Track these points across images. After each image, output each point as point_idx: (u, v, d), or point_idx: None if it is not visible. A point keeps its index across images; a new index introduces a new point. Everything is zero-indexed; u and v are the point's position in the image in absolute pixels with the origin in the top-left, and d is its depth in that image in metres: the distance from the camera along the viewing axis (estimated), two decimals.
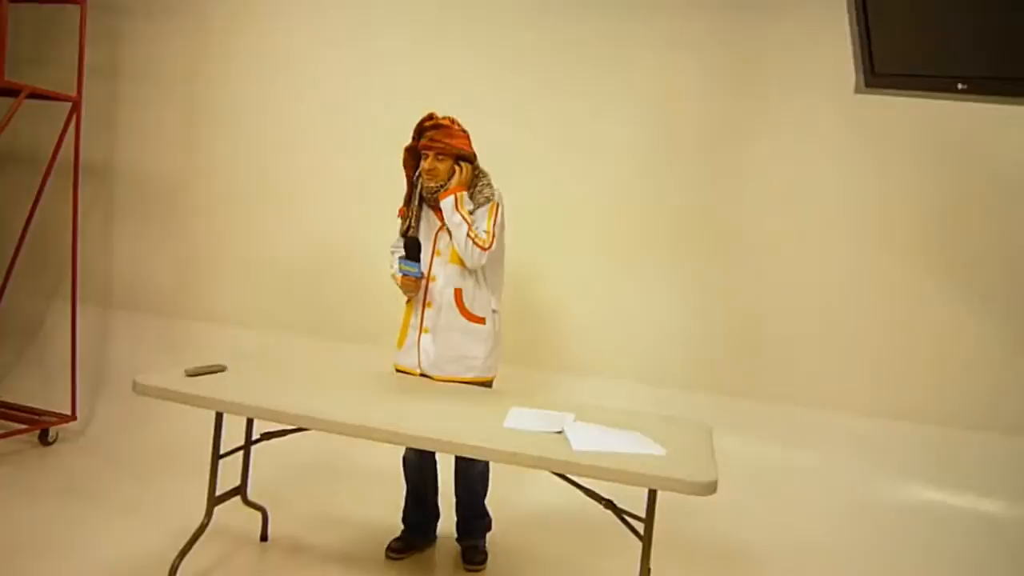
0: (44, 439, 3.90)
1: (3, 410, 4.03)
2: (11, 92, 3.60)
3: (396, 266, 2.86)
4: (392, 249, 2.98)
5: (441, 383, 2.80)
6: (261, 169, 4.38)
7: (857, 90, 2.53)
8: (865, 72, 2.47)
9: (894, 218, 3.61)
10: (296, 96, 4.31)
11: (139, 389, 2.41)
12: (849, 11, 2.44)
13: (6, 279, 4.14)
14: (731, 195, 3.80)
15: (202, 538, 2.68)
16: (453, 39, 4.07)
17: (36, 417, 3.97)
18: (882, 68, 2.40)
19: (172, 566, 2.57)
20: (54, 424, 3.93)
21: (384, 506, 3.33)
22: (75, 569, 2.71)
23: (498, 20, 4.01)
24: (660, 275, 3.87)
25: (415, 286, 2.82)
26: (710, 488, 2.03)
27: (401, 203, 2.93)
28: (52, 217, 4.20)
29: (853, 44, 2.48)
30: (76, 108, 3.90)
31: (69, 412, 4.03)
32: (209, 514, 2.67)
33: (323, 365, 3.04)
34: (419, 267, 2.78)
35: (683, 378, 3.83)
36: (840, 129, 3.66)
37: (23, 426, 3.86)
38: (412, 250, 2.79)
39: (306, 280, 4.32)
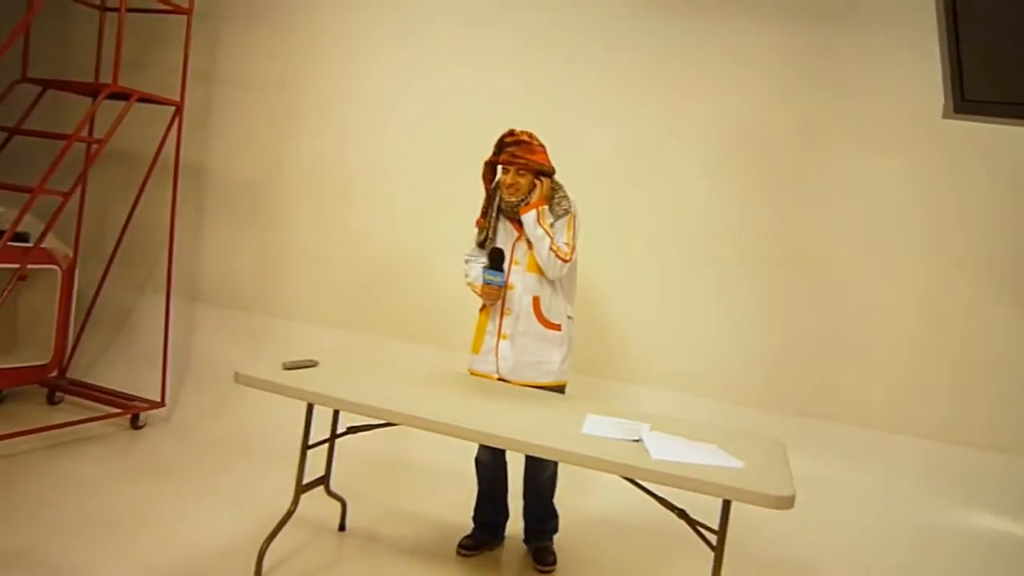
0: (135, 423, 4.12)
1: (97, 394, 4.27)
2: (122, 96, 3.83)
3: (472, 274, 3.00)
4: (467, 258, 3.09)
5: (518, 387, 2.90)
6: (345, 173, 4.55)
7: (945, 115, 2.54)
8: (955, 98, 2.48)
9: (970, 239, 3.59)
10: (381, 103, 4.47)
11: (241, 380, 2.56)
12: (940, 37, 2.45)
13: (105, 270, 4.38)
14: (805, 211, 3.81)
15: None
16: (533, 51, 4.18)
17: (127, 402, 4.20)
18: (972, 94, 2.40)
19: (260, 550, 2.71)
20: (144, 409, 4.16)
21: (454, 504, 3.44)
22: (167, 546, 2.88)
23: (575, 32, 4.10)
24: (729, 290, 3.91)
25: (497, 295, 2.93)
26: (788, 502, 2.08)
27: (478, 214, 3.05)
28: (146, 213, 4.42)
29: (943, 69, 2.49)
30: (179, 112, 4.13)
31: (158, 398, 4.24)
32: (296, 501, 2.82)
33: (405, 365, 3.17)
34: (502, 276, 2.90)
35: (747, 394, 3.85)
36: (917, 148, 3.65)
37: (116, 410, 4.09)
38: (496, 261, 2.91)
39: (384, 283, 4.47)
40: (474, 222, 3.06)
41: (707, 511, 2.41)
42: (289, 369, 2.67)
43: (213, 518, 3.16)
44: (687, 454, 2.30)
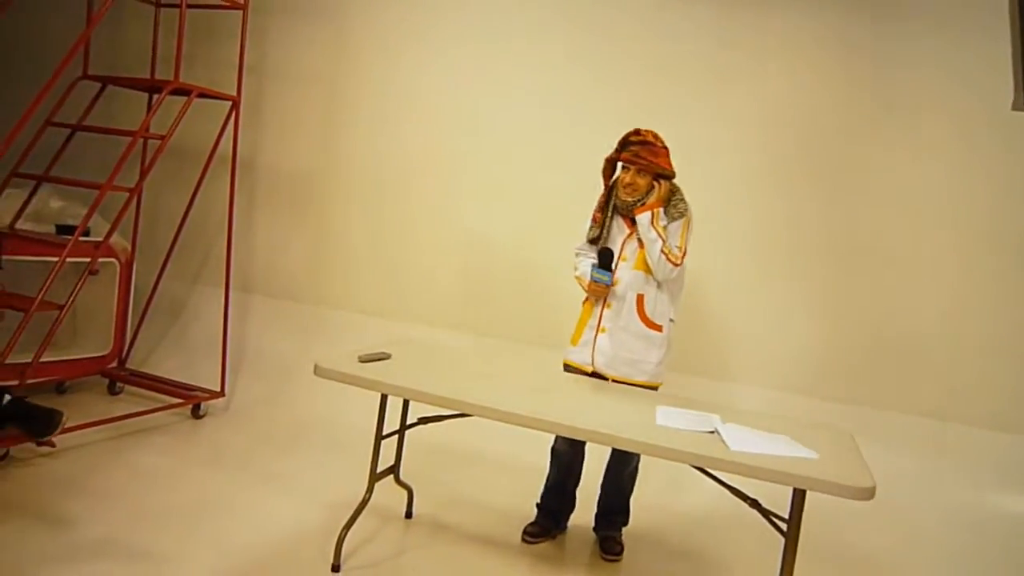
0: (196, 412, 4.22)
1: (157, 384, 4.37)
2: (182, 92, 3.89)
3: (581, 268, 3.04)
4: (577, 251, 3.13)
5: (599, 381, 2.96)
6: (396, 167, 4.61)
7: (1016, 107, 2.54)
8: None
9: (1016, 234, 3.60)
10: (431, 98, 4.51)
11: (320, 372, 2.62)
12: (1012, 29, 2.45)
13: (164, 263, 4.47)
14: (872, 205, 3.83)
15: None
16: (583, 43, 4.21)
17: (188, 392, 4.29)
18: None
19: (339, 537, 2.78)
20: (205, 399, 4.25)
21: (517, 492, 3.50)
22: (246, 532, 2.97)
23: (628, 23, 4.13)
24: (780, 281, 3.94)
25: (604, 293, 2.97)
26: (869, 493, 2.11)
27: (595, 208, 3.06)
28: (200, 207, 4.49)
29: (1014, 61, 2.49)
30: (236, 107, 4.19)
31: (218, 388, 4.33)
32: (370, 490, 2.89)
33: (475, 357, 3.23)
34: (610, 276, 2.95)
35: (816, 386, 3.89)
36: (969, 137, 3.66)
37: (178, 400, 4.19)
38: (605, 260, 2.96)
39: (431, 275, 4.54)
40: (592, 216, 3.06)
41: (776, 501, 2.46)
42: (365, 361, 2.73)
43: (283, 505, 3.24)
44: (763, 445, 2.34)
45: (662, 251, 2.87)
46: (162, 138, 3.75)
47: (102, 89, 4.14)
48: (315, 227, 4.83)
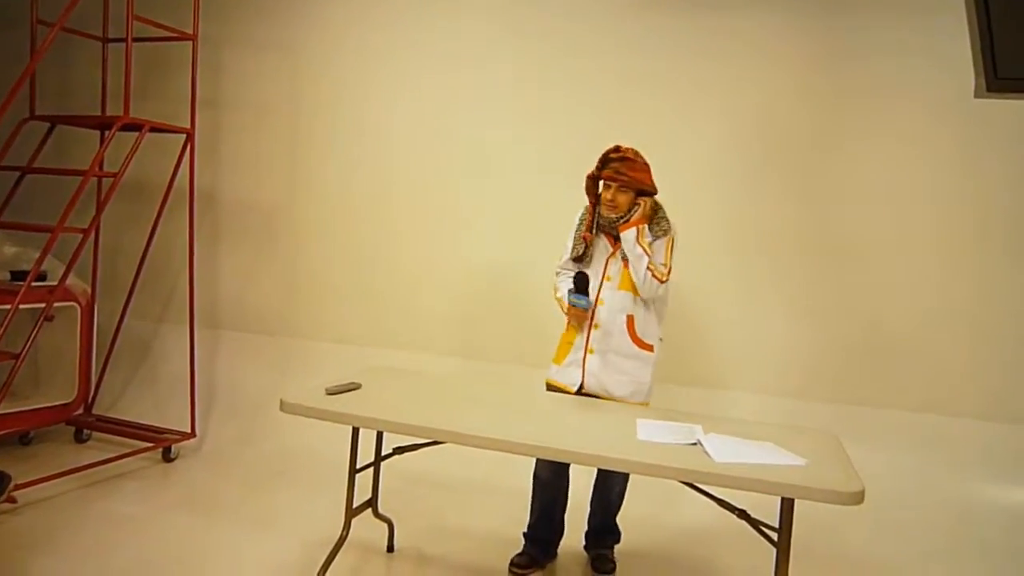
0: (167, 456, 4.08)
1: (126, 428, 4.23)
2: (133, 127, 3.79)
3: (563, 290, 2.97)
4: (558, 270, 3.06)
5: (577, 398, 2.88)
6: (360, 194, 4.53)
7: (977, 94, 2.50)
8: (987, 75, 2.44)
9: (1012, 218, 3.57)
10: (392, 120, 4.44)
11: (286, 408, 2.53)
12: (969, 13, 2.42)
13: (125, 304, 4.34)
14: (846, 201, 3.80)
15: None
16: (545, 56, 4.16)
17: (158, 435, 4.16)
18: (1005, 72, 2.37)
19: None
20: (175, 441, 4.11)
21: (502, 518, 3.41)
22: None
23: (592, 33, 4.09)
24: (761, 283, 3.89)
25: (584, 317, 2.91)
26: (858, 498, 2.05)
27: (582, 227, 2.98)
28: (160, 243, 4.38)
29: (973, 47, 2.45)
30: (190, 139, 4.09)
31: (188, 429, 4.20)
32: (347, 526, 2.78)
33: (447, 382, 3.14)
34: (588, 301, 2.89)
35: (786, 386, 3.83)
36: (945, 129, 3.64)
37: (148, 444, 4.05)
38: (582, 284, 2.90)
39: (408, 300, 4.45)
40: (579, 236, 2.97)
41: (765, 510, 2.39)
42: (333, 394, 2.63)
43: (260, 549, 3.12)
44: (749, 455, 2.27)
45: (648, 268, 2.82)
46: (114, 175, 3.64)
47: (51, 129, 4.03)
48: (283, 258, 4.72)
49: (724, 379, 3.92)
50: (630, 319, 2.89)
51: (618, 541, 3.12)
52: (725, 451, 2.28)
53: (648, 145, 3.94)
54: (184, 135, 4.09)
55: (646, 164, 2.91)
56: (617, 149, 2.89)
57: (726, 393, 3.88)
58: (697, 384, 3.91)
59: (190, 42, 4.12)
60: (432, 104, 4.37)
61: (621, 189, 2.85)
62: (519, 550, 3.09)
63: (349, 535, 2.82)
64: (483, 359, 4.22)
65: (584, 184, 2.97)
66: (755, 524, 2.42)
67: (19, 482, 3.15)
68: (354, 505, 2.86)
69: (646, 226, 2.87)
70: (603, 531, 3.08)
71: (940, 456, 3.61)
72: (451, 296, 4.35)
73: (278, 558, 3.03)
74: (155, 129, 3.89)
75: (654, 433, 2.44)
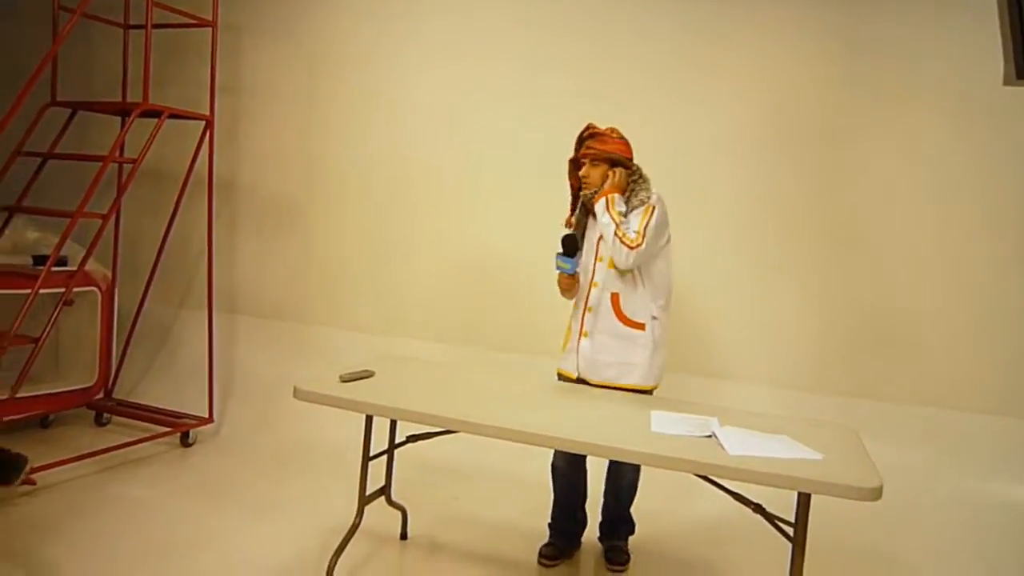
0: (184, 440, 4.11)
1: (145, 413, 4.27)
2: (152, 114, 3.80)
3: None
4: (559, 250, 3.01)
5: (592, 388, 2.84)
6: (378, 181, 4.52)
7: (1007, 82, 2.45)
8: (1017, 63, 2.38)
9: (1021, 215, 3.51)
10: (408, 109, 4.42)
11: (300, 395, 2.53)
12: (1000, 3, 2.36)
13: (146, 289, 4.37)
14: (859, 194, 3.74)
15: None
16: (562, 43, 4.12)
17: (176, 420, 4.19)
18: None
19: (329, 565, 2.69)
20: (193, 426, 4.14)
21: (515, 507, 3.40)
22: (234, 565, 2.86)
23: (604, 15, 4.05)
24: (783, 278, 3.84)
25: (570, 284, 2.88)
26: (877, 493, 2.02)
27: (568, 213, 2.99)
28: (180, 229, 4.41)
29: (1003, 34, 2.40)
30: (209, 126, 4.10)
31: (206, 415, 4.23)
32: (360, 514, 2.79)
33: (462, 371, 3.14)
34: (573, 264, 2.84)
35: (810, 381, 3.79)
36: (961, 119, 3.57)
37: (166, 429, 4.09)
38: (567, 246, 2.85)
39: (420, 289, 4.44)
40: (564, 221, 2.98)
41: (781, 503, 2.36)
42: (346, 381, 2.63)
43: (274, 534, 3.13)
44: (764, 448, 2.24)
45: (616, 234, 2.73)
46: (133, 162, 3.66)
47: (72, 115, 4.05)
48: (300, 244, 4.73)
49: (736, 370, 3.88)
50: (615, 297, 2.83)
51: (632, 532, 3.10)
52: (740, 444, 2.25)
53: (660, 132, 3.95)
54: (204, 122, 4.10)
55: (621, 138, 2.88)
56: (588, 127, 2.88)
57: (737, 384, 3.84)
58: (709, 375, 3.87)
59: (210, 29, 4.12)
60: (448, 93, 4.34)
61: (593, 163, 2.84)
62: (544, 541, 3.07)
63: (362, 523, 2.83)
64: (498, 349, 4.20)
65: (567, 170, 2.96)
66: (771, 519, 2.39)
67: (37, 465, 3.17)
68: (368, 493, 2.87)
69: (617, 195, 2.81)
70: (617, 522, 3.06)
71: (953, 451, 3.55)
72: (464, 285, 4.33)
73: (291, 544, 3.04)
74: (174, 116, 3.90)
75: (668, 425, 2.42)
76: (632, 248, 2.72)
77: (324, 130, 4.63)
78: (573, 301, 2.97)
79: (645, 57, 3.99)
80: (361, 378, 2.69)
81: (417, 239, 4.45)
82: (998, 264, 3.55)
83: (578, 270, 2.87)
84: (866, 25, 3.66)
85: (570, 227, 2.93)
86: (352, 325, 4.60)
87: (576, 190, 2.96)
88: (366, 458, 2.80)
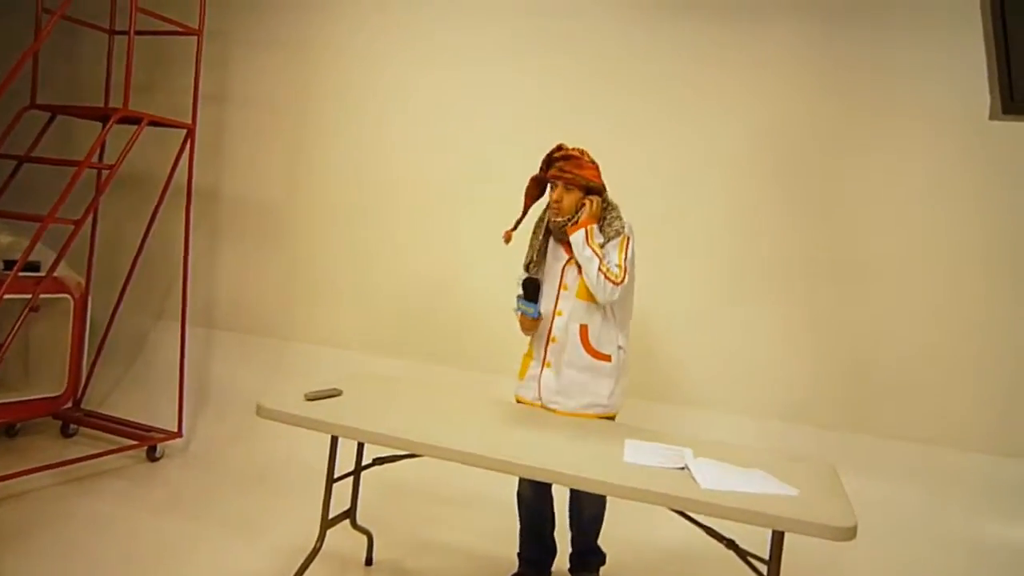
0: (152, 455, 4.01)
1: (113, 425, 4.17)
2: (133, 120, 3.74)
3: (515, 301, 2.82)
4: (518, 280, 2.90)
5: (555, 415, 2.76)
6: (364, 195, 4.46)
7: (992, 116, 2.40)
8: (1003, 98, 2.35)
9: (1014, 244, 3.46)
10: (399, 122, 4.38)
11: (263, 413, 2.45)
12: (986, 34, 2.33)
13: (119, 298, 4.29)
14: (852, 222, 3.69)
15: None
16: (553, 62, 4.08)
17: (144, 433, 4.09)
18: (1021, 94, 2.28)
19: None
20: (161, 440, 4.05)
21: (485, 533, 3.31)
22: None
23: (597, 41, 4.01)
24: (762, 303, 3.78)
25: (532, 325, 2.78)
26: (851, 533, 1.94)
27: (540, 230, 2.86)
28: (160, 239, 4.34)
29: (989, 68, 2.36)
30: (191, 135, 4.05)
31: (175, 429, 4.13)
32: (322, 538, 2.70)
33: (436, 390, 3.06)
34: (537, 307, 2.74)
35: (782, 410, 3.72)
36: (948, 150, 3.53)
37: (133, 442, 3.99)
38: (530, 291, 2.76)
39: (408, 304, 4.36)
40: (504, 235, 2.86)
41: (755, 538, 2.28)
42: (312, 400, 2.55)
43: (236, 555, 3.04)
44: (737, 482, 2.17)
45: (600, 270, 2.64)
46: (111, 167, 3.59)
47: (51, 119, 3.99)
48: (282, 258, 4.66)
49: (718, 399, 3.80)
50: (583, 329, 2.74)
51: (603, 563, 3.00)
52: (713, 478, 2.18)
53: (651, 155, 3.92)
54: (185, 130, 4.04)
55: (593, 163, 2.77)
56: (560, 147, 2.76)
57: (719, 414, 3.77)
58: (690, 404, 3.81)
59: (195, 36, 4.08)
60: (438, 108, 4.30)
61: (567, 188, 2.71)
62: (513, 570, 2.98)
63: (326, 546, 2.74)
64: (478, 369, 4.12)
65: (525, 186, 2.85)
66: (743, 555, 2.32)
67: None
68: (332, 515, 2.78)
69: (595, 226, 2.72)
70: (586, 553, 2.96)
71: (941, 489, 3.48)
72: (448, 305, 4.26)
73: (251, 566, 2.94)
74: (155, 123, 3.84)
75: (642, 455, 2.34)
76: (617, 284, 2.65)
77: (311, 142, 4.58)
78: None
79: (634, 78, 3.95)
80: (327, 397, 2.61)
81: (400, 256, 4.38)
82: (987, 297, 3.49)
83: (541, 311, 2.77)
84: (856, 52, 3.64)
85: (509, 240, 2.82)
86: (333, 342, 4.52)
87: (528, 207, 2.86)
88: (330, 480, 2.72)
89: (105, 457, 3.84)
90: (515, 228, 2.87)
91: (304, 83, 4.59)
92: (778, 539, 2.17)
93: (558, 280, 2.78)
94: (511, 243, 2.88)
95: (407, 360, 4.29)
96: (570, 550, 3.01)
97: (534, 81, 4.12)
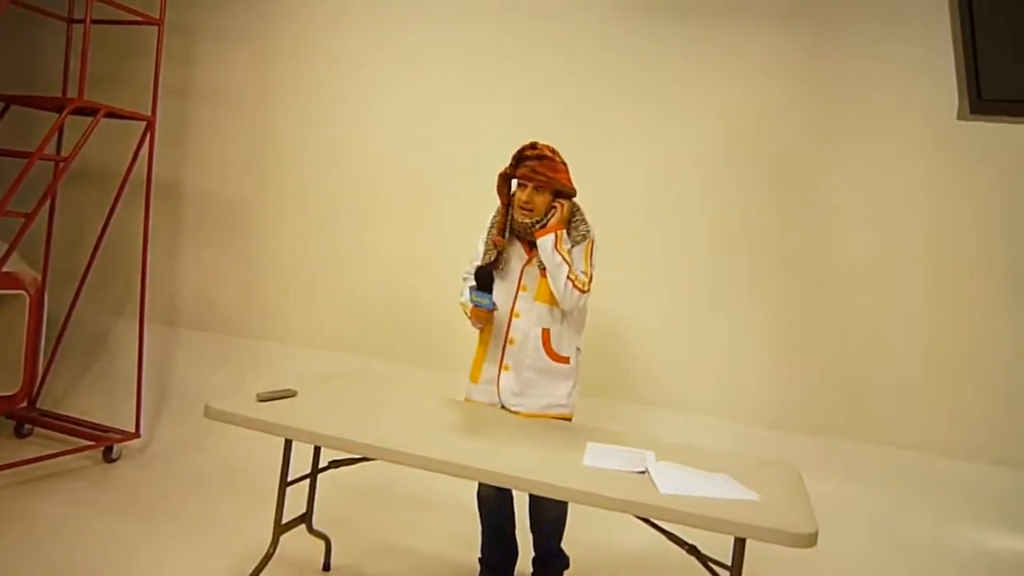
0: (108, 456, 3.90)
1: (69, 425, 4.05)
2: (89, 111, 3.63)
3: (467, 295, 2.73)
4: (464, 275, 2.85)
5: (515, 417, 2.70)
6: (332, 190, 4.37)
7: (960, 116, 2.37)
8: (971, 98, 2.31)
9: (985, 245, 3.44)
10: (367, 117, 4.29)
11: (211, 414, 2.36)
12: (954, 33, 2.29)
13: (76, 295, 4.18)
14: (813, 221, 3.66)
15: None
16: (529, 60, 4.02)
17: (101, 433, 3.98)
18: (990, 93, 2.25)
19: None
20: (118, 441, 3.94)
21: (447, 537, 3.24)
22: None
23: (571, 39, 3.95)
24: (739, 305, 3.75)
25: (485, 318, 2.71)
26: (811, 540, 1.90)
27: (493, 230, 2.76)
28: (121, 234, 4.23)
29: (957, 67, 2.32)
30: (150, 127, 3.94)
31: (133, 429, 4.03)
32: (275, 544, 2.61)
33: (395, 390, 2.98)
34: (491, 299, 2.66)
35: (760, 414, 3.68)
36: (927, 150, 3.51)
37: (88, 442, 3.88)
38: (483, 281, 2.68)
39: (376, 303, 4.28)
40: (490, 240, 2.75)
41: (720, 543, 2.23)
42: (264, 401, 2.47)
43: (188, 560, 2.94)
44: (698, 487, 2.12)
45: (568, 278, 2.59)
46: (65, 160, 3.48)
47: (5, 108, 3.87)
48: (247, 256, 4.55)
49: (693, 402, 3.76)
50: (545, 333, 2.68)
51: (567, 566, 2.94)
52: (673, 482, 2.12)
53: (629, 156, 3.86)
54: (145, 123, 3.93)
55: (565, 164, 2.70)
56: (533, 146, 2.67)
57: (694, 417, 3.72)
58: (663, 405, 3.76)
59: (155, 27, 3.97)
60: (407, 105, 4.22)
61: (537, 190, 2.64)
62: (475, 574, 2.91)
63: (281, 552, 2.65)
64: (447, 369, 4.02)
65: (496, 183, 2.75)
66: (704, 561, 2.27)
67: None
68: (288, 520, 2.70)
69: (564, 232, 2.66)
70: (549, 556, 2.90)
71: (916, 496, 3.45)
72: (417, 303, 4.18)
73: (203, 571, 2.85)
74: (113, 115, 3.73)
75: (601, 458, 2.29)
76: (584, 292, 2.62)
77: (276, 137, 4.48)
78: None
79: (610, 78, 3.90)
80: (281, 397, 2.53)
81: (367, 253, 4.29)
82: (965, 302, 3.47)
83: (496, 303, 2.69)
84: (837, 54, 3.60)
85: (498, 247, 2.74)
86: (299, 340, 4.42)
87: (507, 206, 2.76)
88: (283, 484, 2.64)
89: (60, 458, 3.72)
90: (501, 233, 2.76)
91: (271, 77, 4.49)
92: (739, 545, 2.12)
93: (517, 280, 2.72)
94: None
95: (376, 359, 4.21)
96: (533, 553, 2.95)
97: (508, 80, 4.05)
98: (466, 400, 2.85)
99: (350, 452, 2.29)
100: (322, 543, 2.98)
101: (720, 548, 2.25)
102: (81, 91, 3.53)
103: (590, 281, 2.64)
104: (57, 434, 4.05)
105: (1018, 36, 2.15)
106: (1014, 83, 2.20)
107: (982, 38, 2.23)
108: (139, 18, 3.88)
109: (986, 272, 3.44)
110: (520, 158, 2.68)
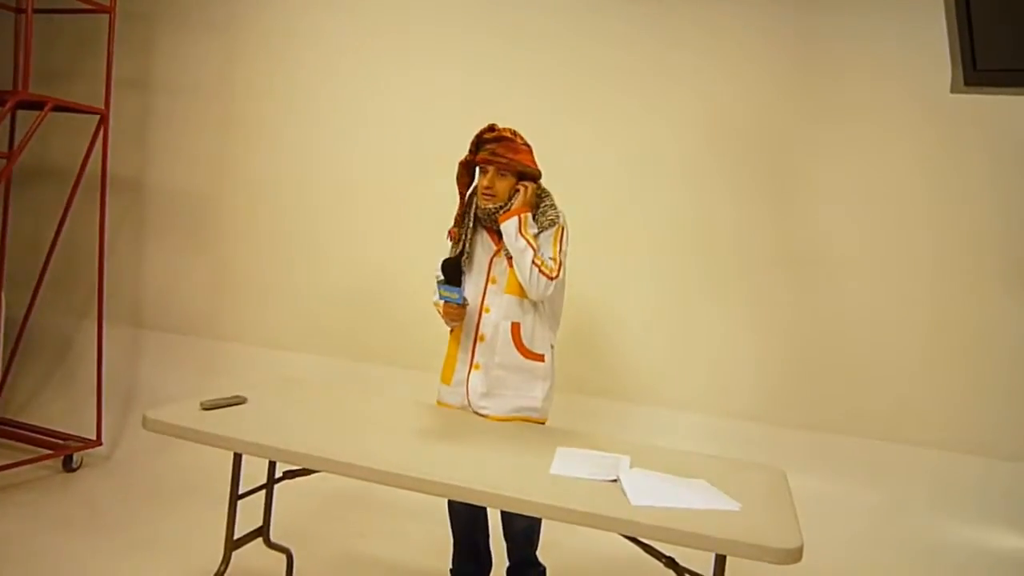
0: (68, 465, 3.74)
1: (28, 434, 3.89)
2: (36, 105, 3.45)
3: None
4: (437, 275, 2.65)
5: (483, 420, 2.53)
6: (300, 186, 4.18)
7: (954, 88, 2.21)
8: (965, 68, 2.14)
9: (977, 228, 3.28)
10: (337, 108, 4.10)
11: (149, 425, 2.19)
12: (947, 3, 2.12)
13: (33, 297, 4.00)
14: (800, 207, 3.50)
15: None
16: (502, 42, 3.83)
17: (60, 442, 3.82)
18: (985, 63, 2.08)
19: None
20: (78, 449, 3.77)
21: (416, 547, 3.09)
22: None
23: (546, 21, 3.76)
24: (726, 296, 3.58)
25: (458, 314, 2.52)
26: (795, 555, 1.73)
27: (452, 224, 2.60)
28: (82, 233, 4.06)
29: (951, 38, 2.16)
30: (104, 121, 3.75)
31: (94, 437, 3.86)
32: (226, 561, 2.44)
33: (353, 395, 2.81)
34: (460, 292, 2.49)
35: (744, 408, 3.52)
36: (917, 131, 3.34)
37: (47, 451, 3.71)
38: (451, 273, 2.51)
39: (347, 302, 4.10)
40: (446, 233, 2.61)
41: (701, 552, 2.06)
42: (209, 409, 2.30)
43: (144, 573, 2.78)
44: (673, 496, 1.94)
45: (533, 262, 2.41)
46: (9, 156, 3.30)
47: None
48: (211, 254, 4.36)
49: (674, 397, 3.59)
50: (515, 327, 2.50)
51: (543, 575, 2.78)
52: (646, 492, 1.95)
53: (607, 140, 3.68)
54: (98, 116, 3.74)
55: (527, 145, 2.54)
56: (492, 128, 2.51)
57: (675, 412, 3.56)
58: (643, 401, 3.59)
59: (107, 14, 3.77)
60: (374, 100, 4.02)
61: (499, 174, 2.47)
62: None
63: (239, 564, 2.50)
64: (417, 368, 3.86)
65: (456, 173, 2.57)
66: (682, 573, 2.10)
67: None
68: (242, 534, 2.53)
69: (530, 215, 2.48)
70: (523, 566, 2.73)
71: (898, 488, 3.30)
72: (384, 303, 3.99)
73: None
74: (61, 108, 3.55)
75: (570, 466, 2.11)
76: (551, 279, 2.43)
77: (240, 131, 4.29)
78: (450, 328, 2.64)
79: (584, 59, 3.72)
80: (228, 405, 2.35)
81: (334, 252, 4.11)
82: (946, 293, 3.32)
83: (466, 296, 2.52)
84: (842, 27, 3.41)
85: (455, 240, 2.57)
86: (266, 341, 4.25)
87: (464, 195, 2.60)
88: (233, 497, 2.46)
89: (17, 468, 3.55)
90: (459, 222, 2.60)
91: (234, 70, 4.29)
92: (720, 561, 1.95)
93: (486, 273, 2.54)
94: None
95: (343, 360, 4.05)
96: (507, 563, 2.79)
97: (482, 68, 3.86)
98: (437, 403, 2.67)
99: (296, 464, 2.11)
100: (284, 557, 2.81)
101: (701, 558, 2.09)
102: (26, 83, 3.35)
103: (559, 268, 2.46)
104: (17, 443, 3.88)
105: (1014, 2, 1.99)
106: (1011, 51, 2.04)
107: (977, 5, 2.07)
108: (89, 7, 3.68)
109: (984, 256, 3.28)
110: (479, 142, 2.51)
